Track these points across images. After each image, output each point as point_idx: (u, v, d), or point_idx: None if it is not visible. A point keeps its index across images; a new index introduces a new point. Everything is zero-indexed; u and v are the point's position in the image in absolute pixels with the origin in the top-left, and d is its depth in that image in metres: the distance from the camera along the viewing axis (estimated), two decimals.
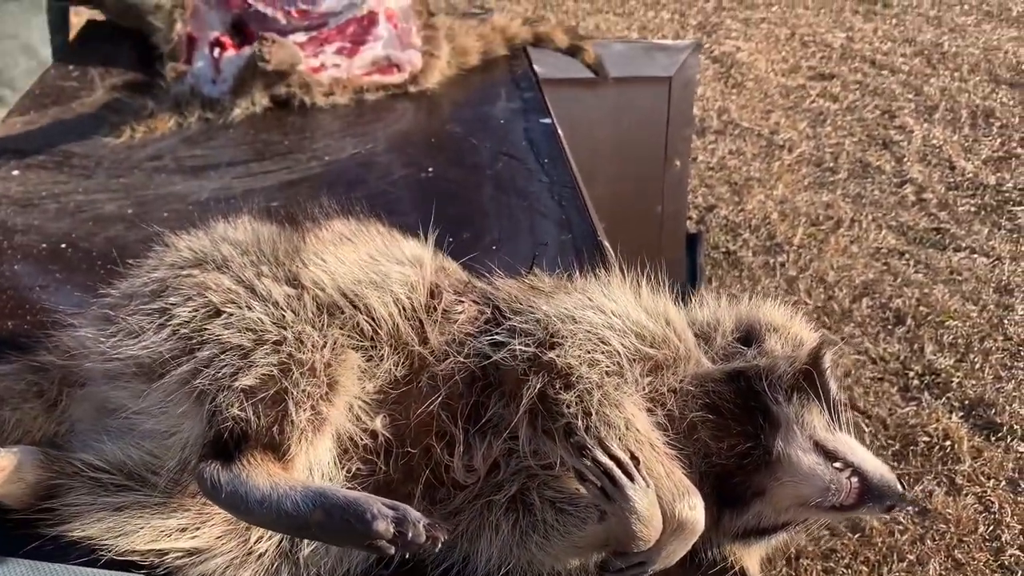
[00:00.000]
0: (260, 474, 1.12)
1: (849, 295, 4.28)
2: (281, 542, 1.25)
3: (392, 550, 1.09)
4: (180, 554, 1.21)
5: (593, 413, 1.24)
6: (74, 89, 2.64)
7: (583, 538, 1.30)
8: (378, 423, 1.29)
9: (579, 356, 1.27)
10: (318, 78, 2.48)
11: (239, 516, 1.16)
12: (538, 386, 1.25)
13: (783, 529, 1.40)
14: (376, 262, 1.36)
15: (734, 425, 1.35)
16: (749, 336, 1.45)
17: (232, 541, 1.23)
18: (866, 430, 3.55)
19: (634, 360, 1.32)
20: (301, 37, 2.51)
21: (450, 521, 1.29)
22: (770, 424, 1.34)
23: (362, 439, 1.27)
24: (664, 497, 1.24)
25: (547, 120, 2.46)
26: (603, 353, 1.29)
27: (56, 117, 2.47)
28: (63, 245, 1.95)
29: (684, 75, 3.60)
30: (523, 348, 1.28)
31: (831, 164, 5.32)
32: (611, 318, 1.33)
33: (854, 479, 1.34)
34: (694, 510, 1.26)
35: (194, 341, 1.20)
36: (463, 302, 1.38)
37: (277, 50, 2.30)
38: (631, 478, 1.20)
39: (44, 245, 1.95)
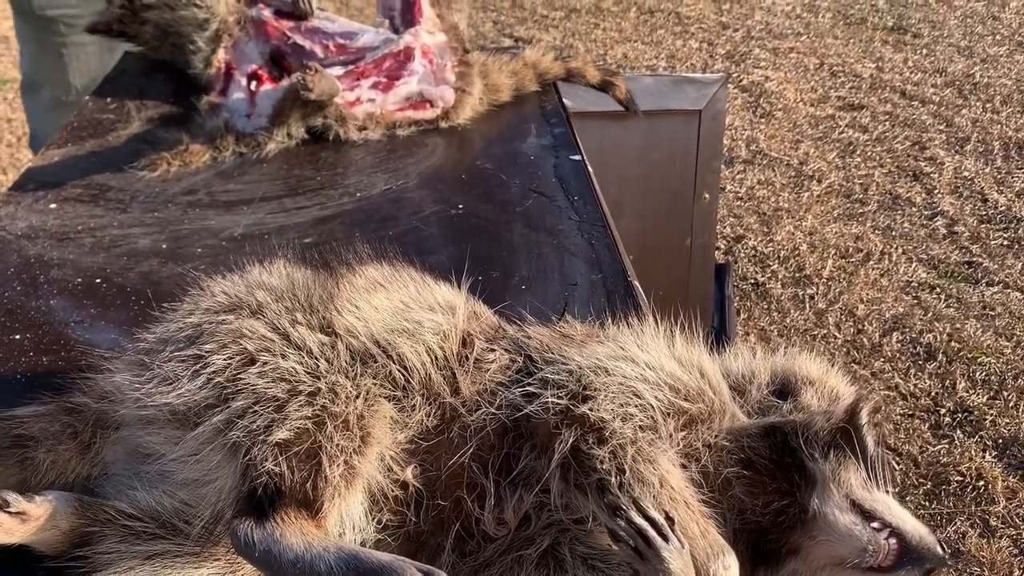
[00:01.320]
0: (294, 533, 1.12)
1: (879, 329, 4.24)
2: None
3: None
4: None
5: (627, 470, 1.23)
6: (111, 121, 2.68)
7: None
8: (409, 474, 1.28)
9: (612, 410, 1.26)
10: (353, 112, 2.50)
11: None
12: (571, 440, 1.24)
13: None
14: (409, 309, 1.37)
15: (769, 482, 1.33)
16: (784, 389, 1.44)
17: None
18: (897, 468, 3.50)
19: (668, 414, 1.31)
20: (338, 71, 2.53)
21: None
22: (806, 481, 1.33)
23: (392, 490, 1.27)
24: (699, 557, 1.23)
25: (576, 157, 2.46)
26: (636, 407, 1.28)
27: (93, 150, 2.50)
28: (98, 280, 1.97)
29: (713, 108, 3.59)
30: (555, 400, 1.27)
31: (860, 195, 5.29)
32: (645, 370, 1.32)
33: (892, 540, 1.32)
34: (728, 570, 1.24)
35: (228, 390, 1.21)
36: (495, 350, 1.38)
37: (319, 80, 2.32)
38: (666, 539, 1.19)
39: (79, 280, 1.97)
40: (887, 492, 1.39)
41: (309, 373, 1.23)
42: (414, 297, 1.40)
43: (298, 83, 2.33)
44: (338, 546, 1.13)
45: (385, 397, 1.28)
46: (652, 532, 1.19)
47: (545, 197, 2.28)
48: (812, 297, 4.48)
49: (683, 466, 1.30)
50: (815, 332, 4.26)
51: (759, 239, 4.98)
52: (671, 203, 3.65)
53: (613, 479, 1.22)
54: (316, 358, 1.25)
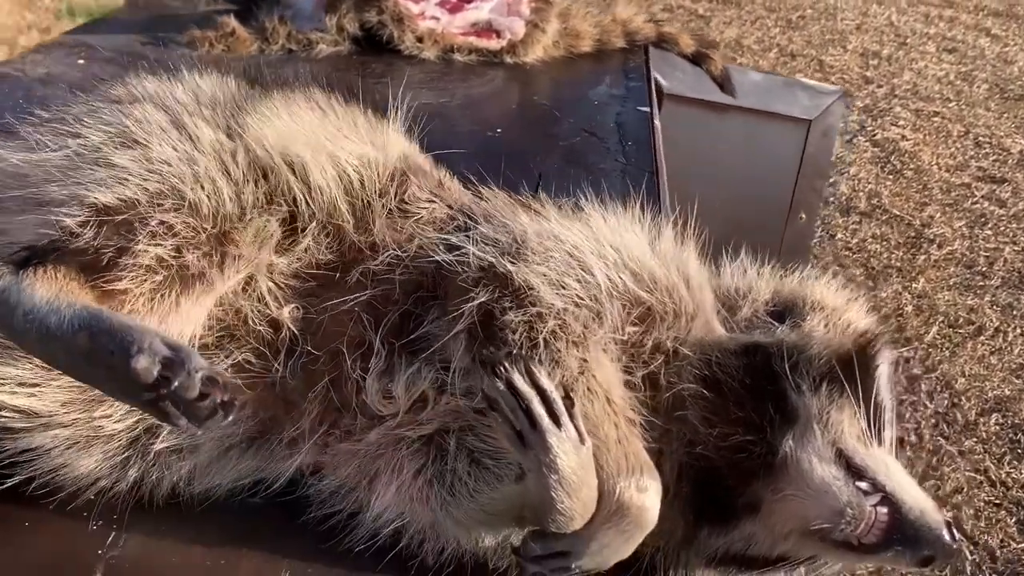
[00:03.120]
0: (48, 289, 0.90)
1: (977, 407, 3.76)
2: (134, 428, 1.02)
3: (178, 418, 0.86)
4: (16, 413, 0.99)
5: (541, 344, 0.96)
6: (176, 7, 2.59)
7: (494, 502, 1.01)
8: (285, 312, 1.06)
9: (545, 275, 1.00)
10: (413, 18, 2.31)
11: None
12: (483, 299, 0.98)
13: (777, 567, 1.06)
14: (340, 135, 1.14)
15: (735, 410, 1.03)
16: (786, 312, 1.13)
17: (76, 412, 1.00)
18: (969, 557, 3.05)
19: (620, 300, 1.03)
20: None
21: (349, 463, 1.03)
22: (783, 416, 1.02)
23: (260, 325, 1.03)
24: (607, 468, 0.95)
25: (645, 108, 2.20)
26: (579, 280, 1.01)
27: (144, 23, 2.41)
28: None
29: (825, 122, 3.26)
30: (479, 254, 1.01)
31: (984, 268, 4.79)
32: (606, 248, 1.05)
33: (883, 509, 0.99)
34: (643, 493, 0.95)
35: (87, 158, 1.00)
36: (433, 202, 1.13)
37: None
38: (557, 423, 0.91)
39: None
40: (892, 453, 1.07)
41: (180, 159, 1.02)
42: (352, 127, 1.16)
43: None
44: (85, 305, 0.91)
45: (277, 219, 1.06)
46: (539, 408, 0.92)
47: (596, 138, 2.02)
48: (907, 360, 4.03)
49: (626, 369, 1.02)
50: (903, 396, 3.81)
51: (863, 293, 4.55)
52: (761, 216, 3.31)
53: (522, 353, 0.96)
54: (200, 152, 1.04)
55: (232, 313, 1.05)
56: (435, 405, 1.02)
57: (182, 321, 0.98)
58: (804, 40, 7.58)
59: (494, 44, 2.39)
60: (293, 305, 1.07)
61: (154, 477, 1.04)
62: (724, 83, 2.69)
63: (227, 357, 1.04)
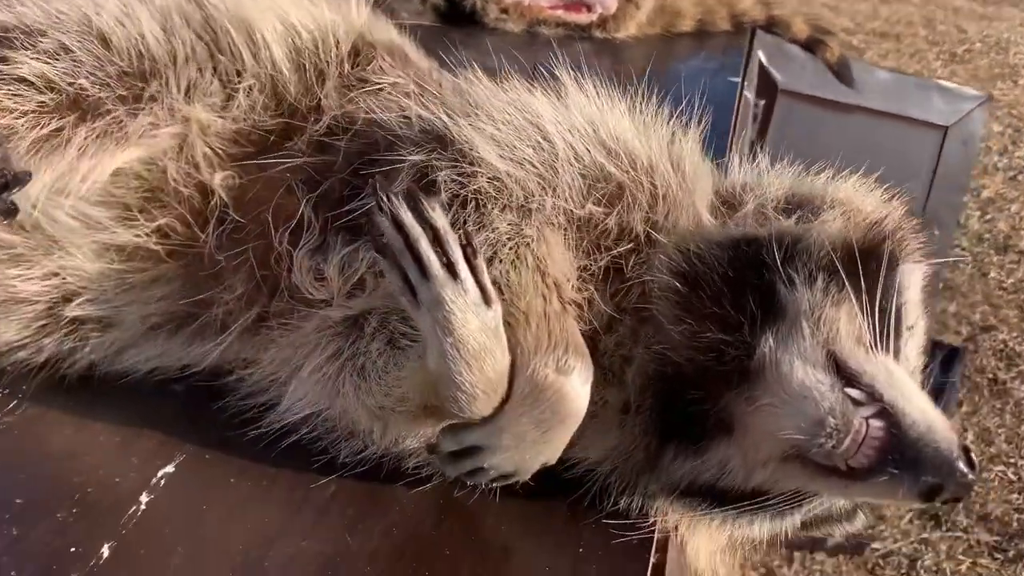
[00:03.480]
0: None
1: None
2: (51, 293, 0.97)
3: None
4: None
5: (469, 203, 0.83)
6: None
7: (400, 384, 0.88)
8: (216, 179, 0.98)
9: (493, 136, 0.89)
10: None
11: None
12: (416, 158, 0.86)
13: (755, 505, 0.88)
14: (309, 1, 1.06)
15: (710, 305, 0.87)
16: (800, 211, 0.95)
17: None
18: None
19: (581, 172, 0.90)
20: None
21: (279, 354, 0.95)
22: (768, 313, 0.86)
23: (186, 188, 0.96)
24: (523, 343, 0.82)
25: (735, 79, 2.02)
26: (533, 146, 0.88)
27: None
28: None
29: (965, 129, 2.94)
30: (424, 114, 0.90)
31: None
32: (578, 120, 0.92)
33: (877, 423, 0.81)
34: (564, 375, 0.81)
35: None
36: (401, 79, 1.03)
37: None
38: (454, 274, 0.78)
39: None
40: (900, 362, 0.88)
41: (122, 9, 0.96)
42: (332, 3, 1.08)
43: None
44: None
45: (215, 73, 1.00)
46: (428, 251, 0.80)
47: (672, 102, 1.86)
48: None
49: (585, 252, 0.87)
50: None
51: (1014, 335, 4.12)
52: None
53: (417, 192, 0.84)
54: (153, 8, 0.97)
55: (159, 174, 0.99)
56: (373, 291, 0.91)
57: (84, 163, 0.91)
58: (969, 74, 7.07)
59: (583, 18, 2.27)
60: (227, 172, 0.99)
61: (68, 348, 0.97)
62: (841, 71, 2.46)
63: (149, 221, 0.98)
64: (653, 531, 0.91)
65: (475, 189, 0.89)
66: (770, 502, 0.89)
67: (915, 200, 3.05)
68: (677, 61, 2.19)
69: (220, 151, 1.01)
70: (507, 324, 0.85)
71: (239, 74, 1.02)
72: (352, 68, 1.06)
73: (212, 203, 1.00)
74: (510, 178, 0.90)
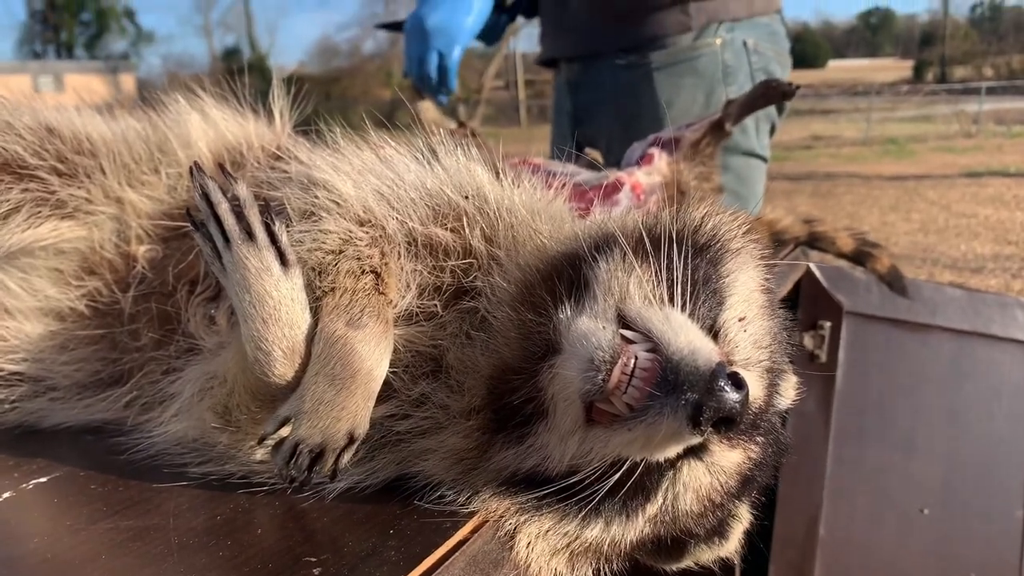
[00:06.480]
0: None
1: None
2: None
3: None
4: None
5: (311, 217, 0.98)
6: None
7: (218, 364, 0.97)
8: (141, 251, 1.13)
9: (349, 174, 1.04)
10: None
11: None
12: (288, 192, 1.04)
13: (576, 489, 0.88)
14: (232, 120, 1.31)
15: (526, 295, 0.95)
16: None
17: None
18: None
19: (427, 203, 1.05)
20: None
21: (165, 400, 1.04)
22: (573, 290, 0.94)
23: (115, 258, 1.12)
24: (323, 311, 0.89)
25: None
26: (385, 183, 1.04)
27: None
28: None
29: None
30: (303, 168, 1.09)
31: None
32: (440, 172, 1.08)
33: (646, 355, 0.85)
34: (356, 330, 0.86)
35: None
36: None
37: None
38: (251, 236, 0.88)
39: None
40: (721, 341, 0.93)
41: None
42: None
43: None
44: None
45: (156, 172, 1.20)
46: (229, 217, 0.89)
47: None
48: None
49: (424, 264, 1.03)
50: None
51: None
52: (992, 451, 2.79)
53: (230, 172, 0.97)
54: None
55: (96, 248, 1.13)
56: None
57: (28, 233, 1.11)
58: None
59: None
60: (151, 245, 1.14)
61: None
62: (893, 282, 2.43)
63: (81, 287, 1.12)
64: (471, 515, 0.90)
65: (321, 205, 0.99)
66: (585, 479, 0.88)
67: (1020, 421, 2.85)
68: None
69: (149, 230, 1.15)
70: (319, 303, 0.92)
71: (170, 165, 1.21)
72: (268, 159, 1.23)
73: (135, 270, 1.13)
74: (354, 199, 1.00)
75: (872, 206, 15.09)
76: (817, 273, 2.65)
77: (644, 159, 2.56)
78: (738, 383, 0.82)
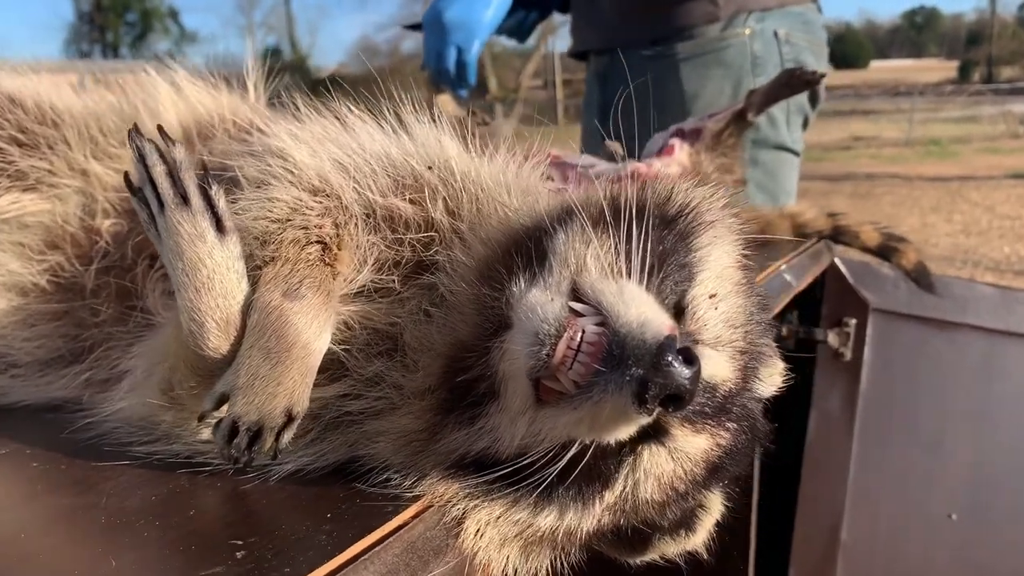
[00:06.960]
0: None
1: None
2: None
3: None
4: None
5: (263, 185, 0.95)
6: None
7: (164, 348, 0.94)
8: (105, 225, 1.11)
9: (307, 143, 1.01)
10: None
11: None
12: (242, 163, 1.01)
13: (527, 472, 0.83)
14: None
15: (485, 270, 0.92)
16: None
17: None
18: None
19: (389, 173, 1.01)
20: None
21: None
22: (524, 265, 0.88)
23: (79, 232, 1.10)
24: (262, 279, 0.87)
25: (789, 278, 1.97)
26: (346, 152, 1.01)
27: None
28: None
29: None
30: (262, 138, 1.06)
31: None
32: (407, 144, 1.03)
33: (593, 328, 0.80)
34: (293, 301, 0.84)
35: None
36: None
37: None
38: (186, 200, 0.86)
39: None
40: (688, 319, 0.89)
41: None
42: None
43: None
44: None
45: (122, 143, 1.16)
46: (163, 180, 0.87)
47: None
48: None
49: (383, 236, 0.98)
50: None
51: None
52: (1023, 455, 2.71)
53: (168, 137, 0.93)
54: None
55: (61, 222, 1.11)
56: None
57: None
58: None
59: None
60: (116, 220, 1.11)
61: None
62: (920, 277, 2.35)
63: (43, 262, 1.10)
64: (415, 499, 0.86)
65: (273, 173, 0.96)
66: (534, 461, 0.83)
67: None
68: None
69: (116, 203, 1.13)
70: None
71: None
72: (238, 132, 1.19)
73: (98, 245, 1.11)
74: (309, 167, 0.97)
75: (912, 207, 14.83)
76: (842, 268, 2.59)
77: (665, 150, 2.52)
78: (689, 358, 0.76)
